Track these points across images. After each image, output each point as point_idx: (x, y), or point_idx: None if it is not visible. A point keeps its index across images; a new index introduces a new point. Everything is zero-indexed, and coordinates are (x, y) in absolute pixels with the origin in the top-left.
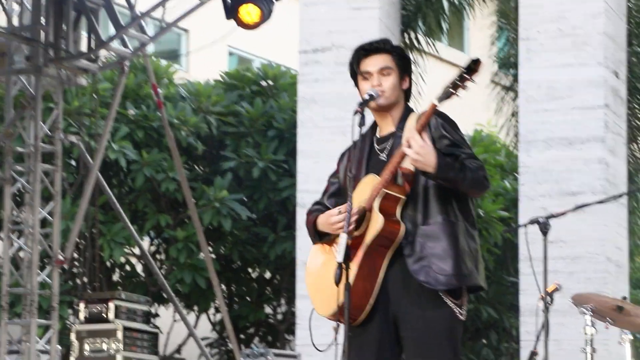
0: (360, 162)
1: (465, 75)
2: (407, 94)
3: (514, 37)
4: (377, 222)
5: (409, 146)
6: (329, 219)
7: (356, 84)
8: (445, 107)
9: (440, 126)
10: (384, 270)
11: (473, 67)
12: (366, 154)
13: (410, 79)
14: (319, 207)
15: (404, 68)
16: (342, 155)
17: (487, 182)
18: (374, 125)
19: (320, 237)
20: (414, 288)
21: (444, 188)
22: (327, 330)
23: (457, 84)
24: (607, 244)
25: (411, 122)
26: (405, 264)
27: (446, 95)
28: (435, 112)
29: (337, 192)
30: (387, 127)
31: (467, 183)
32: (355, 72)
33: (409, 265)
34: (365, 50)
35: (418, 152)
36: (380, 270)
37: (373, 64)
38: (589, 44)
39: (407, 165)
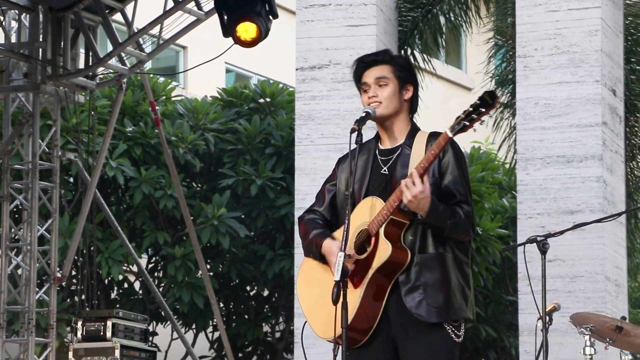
0: (363, 175)
1: (481, 108)
2: (411, 105)
3: (511, 54)
4: (385, 249)
5: (407, 187)
6: (332, 257)
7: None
8: (442, 121)
9: (451, 159)
10: (387, 295)
11: (489, 100)
12: (370, 165)
13: (415, 89)
14: (315, 218)
15: (405, 78)
16: (340, 161)
17: (472, 232)
18: (377, 136)
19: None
20: (410, 313)
21: None
22: (325, 350)
23: (473, 118)
24: (606, 263)
25: (420, 142)
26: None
27: (461, 128)
28: (449, 141)
29: (332, 201)
30: (390, 139)
31: (452, 230)
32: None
33: (402, 295)
34: (364, 63)
35: (415, 195)
36: (385, 295)
37: (370, 75)
38: (586, 62)
39: None
